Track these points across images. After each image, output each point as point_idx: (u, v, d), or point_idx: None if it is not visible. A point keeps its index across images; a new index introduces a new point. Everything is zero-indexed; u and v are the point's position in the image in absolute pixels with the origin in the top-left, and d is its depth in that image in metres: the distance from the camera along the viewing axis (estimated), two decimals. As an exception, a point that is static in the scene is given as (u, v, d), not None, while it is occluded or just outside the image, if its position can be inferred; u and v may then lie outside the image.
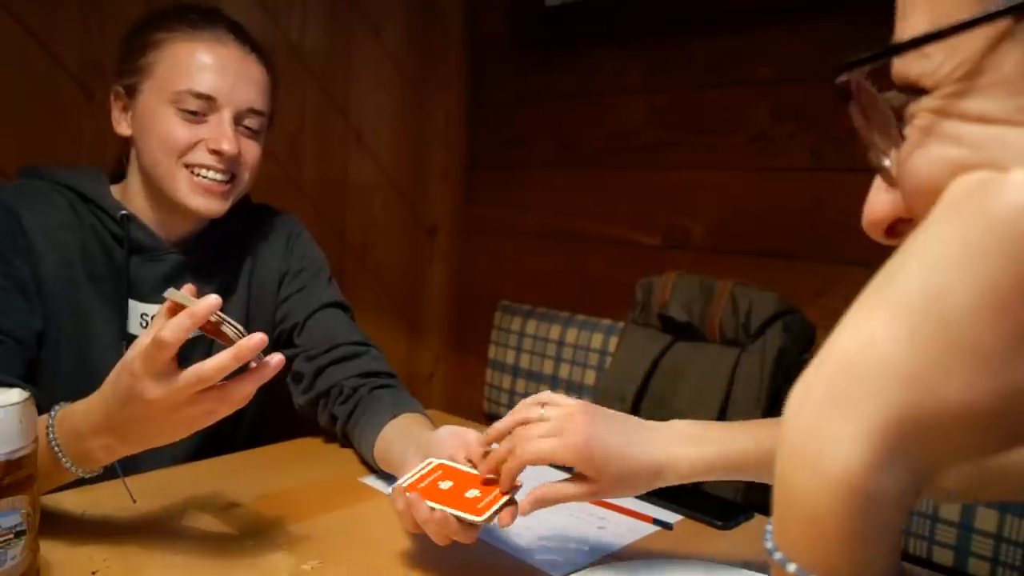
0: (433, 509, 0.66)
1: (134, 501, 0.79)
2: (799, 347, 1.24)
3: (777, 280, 1.40)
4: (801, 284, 1.40)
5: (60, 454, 0.69)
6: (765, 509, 0.96)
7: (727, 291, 1.27)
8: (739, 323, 1.24)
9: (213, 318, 0.64)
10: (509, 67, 1.91)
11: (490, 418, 1.86)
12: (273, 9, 1.62)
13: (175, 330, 0.62)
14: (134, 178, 0.99)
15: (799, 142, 1.41)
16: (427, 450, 0.76)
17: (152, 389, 0.64)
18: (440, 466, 0.73)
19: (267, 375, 0.66)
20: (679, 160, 1.59)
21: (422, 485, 0.69)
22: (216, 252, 1.03)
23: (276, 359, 0.67)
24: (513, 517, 0.68)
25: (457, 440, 0.76)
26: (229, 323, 0.66)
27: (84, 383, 0.90)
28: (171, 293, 0.66)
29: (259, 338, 0.63)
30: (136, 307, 0.96)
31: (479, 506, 0.67)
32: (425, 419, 0.94)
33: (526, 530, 0.81)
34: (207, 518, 0.80)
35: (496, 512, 0.67)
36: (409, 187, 1.96)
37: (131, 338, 0.93)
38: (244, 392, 0.66)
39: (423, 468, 0.72)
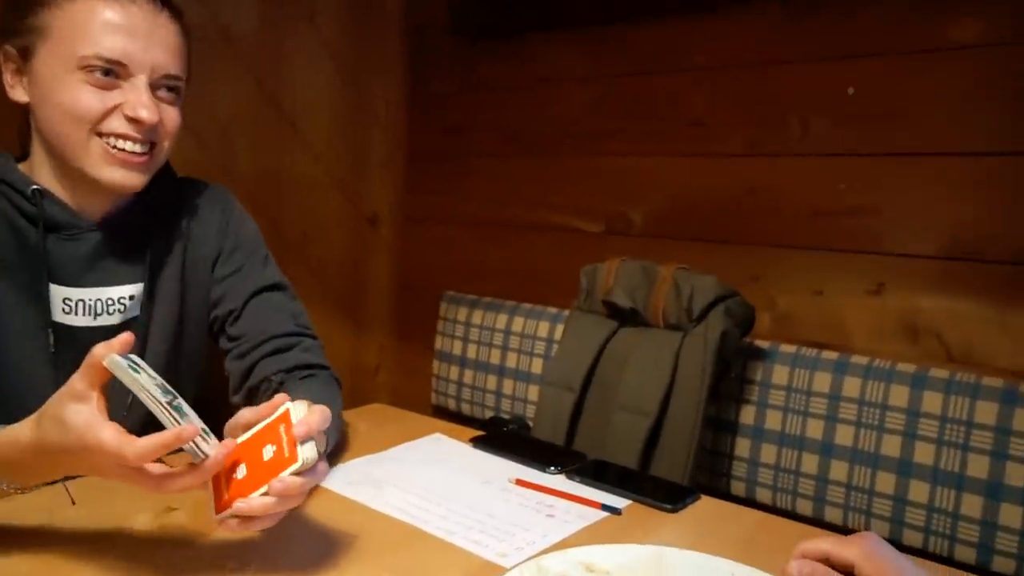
0: (265, 495, 0.62)
1: (73, 503, 0.75)
2: (741, 330, 1.26)
3: (715, 264, 1.42)
4: (738, 268, 1.43)
5: None
6: (711, 491, 0.97)
7: (669, 276, 1.28)
8: (682, 308, 1.25)
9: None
10: (449, 55, 1.89)
11: (438, 410, 1.84)
12: (201, -7, 1.56)
13: (143, 455, 0.59)
14: (38, 150, 0.88)
15: (735, 128, 1.44)
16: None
17: (105, 467, 0.61)
18: (219, 473, 0.65)
19: (203, 478, 0.63)
20: (619, 147, 1.60)
21: (225, 498, 0.64)
22: (141, 229, 0.94)
23: (211, 462, 0.62)
24: (309, 427, 0.64)
25: (236, 419, 0.71)
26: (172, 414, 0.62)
27: (4, 376, 0.85)
28: (111, 363, 0.61)
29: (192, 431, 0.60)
30: (57, 292, 0.88)
31: (284, 454, 0.63)
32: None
33: (476, 522, 0.80)
34: (143, 524, 0.76)
35: (299, 444, 0.63)
36: (348, 178, 1.92)
37: (56, 326, 0.87)
38: (178, 485, 0.62)
39: (210, 486, 0.66)
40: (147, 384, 0.62)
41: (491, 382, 1.71)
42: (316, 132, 1.82)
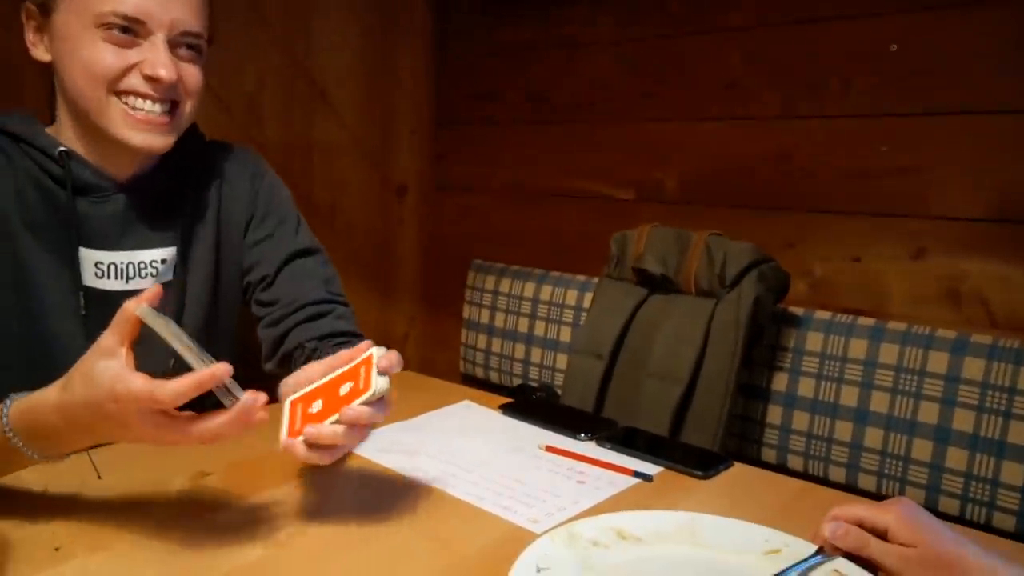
0: (336, 423, 0.64)
1: (99, 477, 0.76)
2: (774, 296, 1.24)
3: (750, 230, 1.39)
4: (773, 234, 1.40)
5: (21, 445, 0.66)
6: (742, 458, 0.96)
7: (702, 242, 1.26)
8: (714, 274, 1.23)
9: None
10: (475, 19, 1.85)
11: (466, 378, 1.85)
12: (226, -39, 1.54)
13: (177, 396, 0.59)
14: (63, 112, 0.88)
15: (771, 90, 1.39)
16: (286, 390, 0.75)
17: (135, 421, 0.61)
18: (296, 400, 0.70)
19: (238, 421, 0.62)
20: (651, 112, 1.57)
21: (296, 427, 0.67)
22: (171, 192, 0.93)
23: (252, 404, 0.62)
24: (390, 362, 0.67)
25: (299, 376, 0.74)
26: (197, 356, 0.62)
27: (35, 341, 0.85)
28: (143, 312, 0.62)
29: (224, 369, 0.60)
30: (88, 255, 0.88)
31: (359, 386, 0.66)
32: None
33: (507, 488, 0.80)
34: (176, 489, 0.77)
35: (377, 374, 0.66)
36: (376, 146, 1.91)
37: (87, 290, 0.87)
38: (212, 430, 0.62)
39: (286, 414, 0.70)
40: (178, 332, 0.63)
41: (519, 350, 1.70)
42: (344, 100, 1.81)
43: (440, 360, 2.01)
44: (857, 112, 1.30)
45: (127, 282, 0.90)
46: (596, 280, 1.45)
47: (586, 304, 1.56)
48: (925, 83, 1.23)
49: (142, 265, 0.91)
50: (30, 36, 0.86)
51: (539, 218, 1.79)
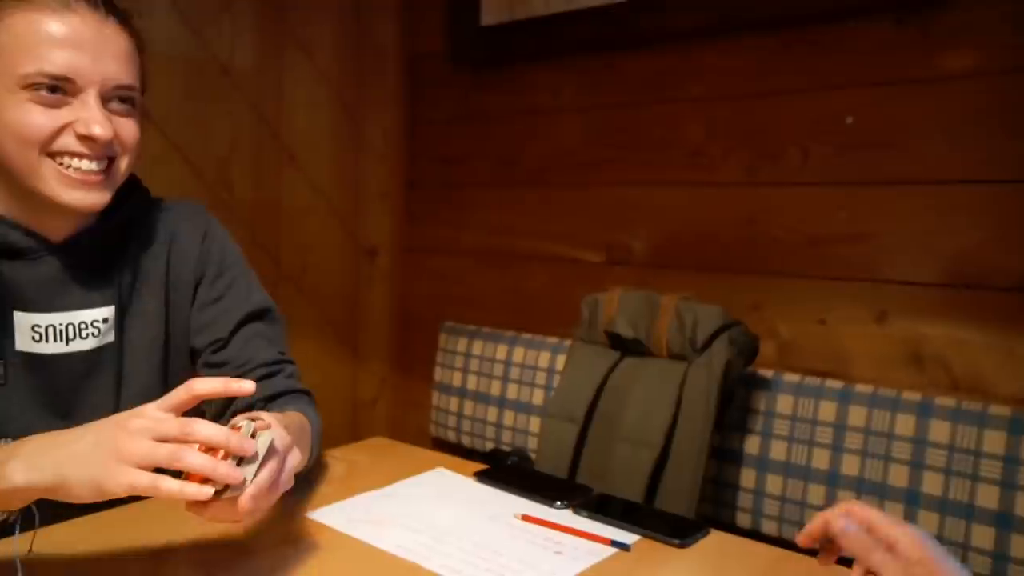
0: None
1: (29, 551, 0.72)
2: (744, 359, 1.26)
3: (716, 293, 1.42)
4: (739, 296, 1.43)
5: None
6: (716, 523, 0.95)
7: (672, 306, 1.27)
8: (685, 337, 1.24)
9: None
10: (446, 86, 1.90)
11: (437, 442, 1.82)
12: (199, 28, 1.57)
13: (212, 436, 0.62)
14: None
15: (733, 158, 1.44)
16: None
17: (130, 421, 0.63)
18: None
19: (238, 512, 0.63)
20: (617, 177, 1.61)
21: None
22: (112, 249, 0.90)
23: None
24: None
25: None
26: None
27: None
28: (248, 429, 0.65)
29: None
30: (24, 319, 0.84)
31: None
32: (288, 415, 0.86)
33: (483, 560, 0.78)
34: (138, 571, 0.74)
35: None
36: (347, 208, 1.91)
37: (22, 356, 0.84)
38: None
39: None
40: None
41: (492, 413, 1.69)
42: (315, 163, 1.82)
43: (411, 423, 1.98)
44: (817, 180, 1.35)
45: (67, 344, 0.86)
46: (568, 342, 1.45)
47: (558, 366, 1.56)
48: (879, 154, 1.28)
49: (83, 325, 0.87)
50: None
51: (509, 280, 1.80)
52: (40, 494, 0.65)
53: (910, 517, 1.15)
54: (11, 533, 0.70)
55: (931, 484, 1.14)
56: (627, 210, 1.60)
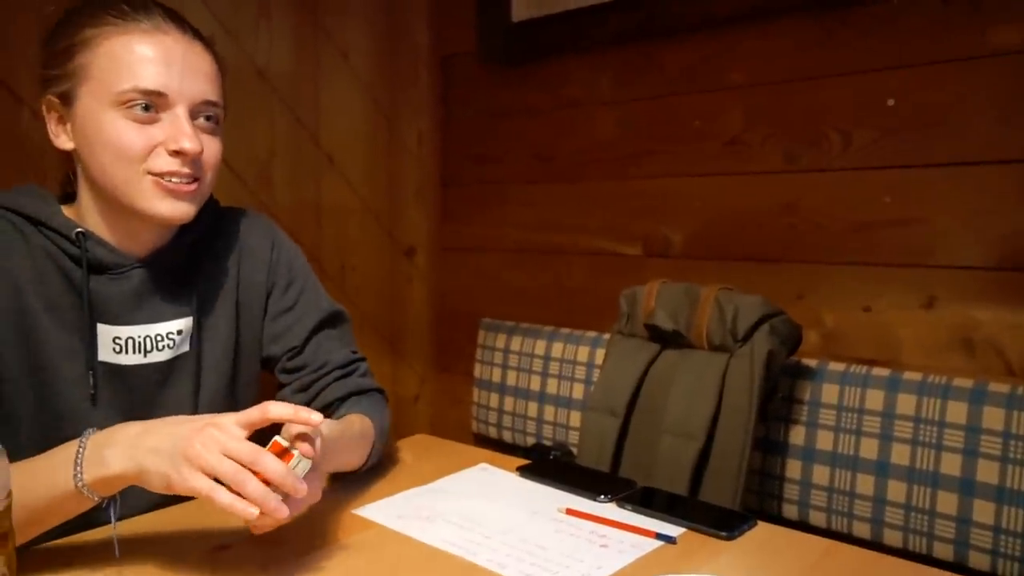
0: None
1: (117, 555, 0.75)
2: (787, 349, 1.24)
3: (758, 283, 1.40)
4: (781, 286, 1.41)
5: (78, 474, 0.70)
6: (763, 515, 0.94)
7: (712, 297, 1.26)
8: (726, 328, 1.23)
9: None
10: (479, 84, 1.90)
11: (479, 438, 1.83)
12: (236, 33, 1.60)
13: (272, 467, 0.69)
14: (85, 194, 0.89)
15: (773, 145, 1.42)
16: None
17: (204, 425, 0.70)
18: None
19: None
20: (654, 168, 1.59)
21: None
22: (188, 262, 0.95)
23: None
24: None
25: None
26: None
27: (49, 422, 0.85)
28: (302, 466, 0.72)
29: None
30: (106, 331, 0.88)
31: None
32: (351, 420, 0.93)
33: (528, 554, 0.78)
34: (194, 564, 0.76)
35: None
36: (384, 208, 1.93)
37: (104, 366, 0.88)
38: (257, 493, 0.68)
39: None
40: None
41: (532, 409, 1.69)
42: (352, 164, 1.84)
43: (452, 420, 2.00)
44: (858, 165, 1.32)
45: (145, 355, 0.90)
46: (607, 336, 1.45)
47: (597, 360, 1.56)
48: (926, 136, 1.25)
49: (159, 337, 0.91)
50: (52, 127, 0.87)
51: (547, 275, 1.80)
52: (130, 481, 0.71)
53: (965, 507, 1.12)
54: (93, 518, 0.78)
55: (986, 472, 1.11)
56: (664, 202, 1.59)
